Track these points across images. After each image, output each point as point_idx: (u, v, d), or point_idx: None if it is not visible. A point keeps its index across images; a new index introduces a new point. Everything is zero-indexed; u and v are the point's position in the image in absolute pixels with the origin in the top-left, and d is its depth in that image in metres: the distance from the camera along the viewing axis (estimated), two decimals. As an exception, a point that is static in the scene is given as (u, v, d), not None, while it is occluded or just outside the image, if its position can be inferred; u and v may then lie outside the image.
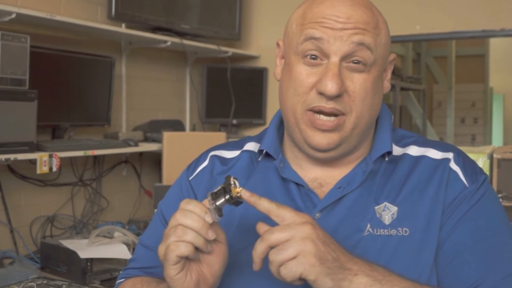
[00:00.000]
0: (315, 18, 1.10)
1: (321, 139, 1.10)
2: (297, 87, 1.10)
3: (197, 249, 0.99)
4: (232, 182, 0.99)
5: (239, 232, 1.14)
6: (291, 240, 0.94)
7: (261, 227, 0.98)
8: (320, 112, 1.09)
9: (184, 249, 0.97)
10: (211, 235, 0.99)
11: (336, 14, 1.08)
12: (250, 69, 4.01)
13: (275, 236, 0.95)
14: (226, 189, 1.00)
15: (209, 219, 0.99)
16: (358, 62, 1.08)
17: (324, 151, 1.12)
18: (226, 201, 0.99)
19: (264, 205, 0.98)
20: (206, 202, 1.01)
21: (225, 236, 1.05)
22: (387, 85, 1.18)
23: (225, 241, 1.04)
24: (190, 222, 0.98)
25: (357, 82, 1.09)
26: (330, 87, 1.05)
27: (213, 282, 1.05)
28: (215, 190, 1.01)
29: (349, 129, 1.10)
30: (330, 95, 1.06)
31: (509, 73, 8.29)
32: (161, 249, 1.00)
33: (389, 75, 1.19)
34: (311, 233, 0.95)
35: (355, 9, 1.09)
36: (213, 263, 1.03)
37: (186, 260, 1.00)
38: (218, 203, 0.99)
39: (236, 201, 1.00)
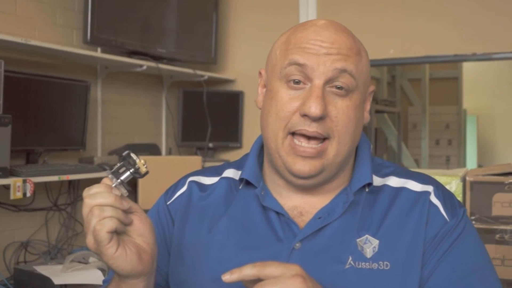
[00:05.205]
0: (299, 43, 1.10)
1: (302, 166, 1.09)
2: (279, 111, 1.10)
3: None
4: (135, 157, 1.02)
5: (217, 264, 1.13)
6: None
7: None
8: (302, 135, 1.08)
9: (110, 223, 0.96)
10: (126, 204, 0.99)
11: (320, 39, 1.09)
12: (226, 92, 4.03)
13: None
14: (129, 163, 1.02)
15: (117, 192, 1.00)
16: (341, 88, 1.08)
17: (305, 178, 1.11)
18: (132, 174, 1.02)
19: (249, 273, 0.94)
20: (107, 180, 1.02)
21: (137, 205, 1.04)
22: (366, 116, 1.18)
23: (140, 209, 1.04)
24: (102, 200, 0.97)
25: (340, 108, 1.08)
26: (314, 108, 1.05)
27: (151, 249, 1.03)
28: (114, 169, 1.02)
29: (331, 155, 1.09)
30: (314, 117, 1.05)
31: (483, 95, 8.41)
32: (89, 240, 0.98)
33: (368, 106, 1.18)
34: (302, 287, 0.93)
35: (338, 34, 1.10)
36: (142, 231, 1.03)
37: (117, 235, 0.99)
38: (122, 177, 1.01)
39: (144, 174, 1.03)
